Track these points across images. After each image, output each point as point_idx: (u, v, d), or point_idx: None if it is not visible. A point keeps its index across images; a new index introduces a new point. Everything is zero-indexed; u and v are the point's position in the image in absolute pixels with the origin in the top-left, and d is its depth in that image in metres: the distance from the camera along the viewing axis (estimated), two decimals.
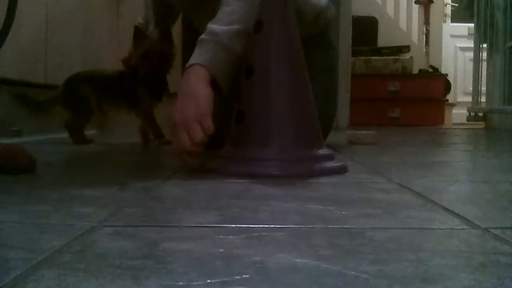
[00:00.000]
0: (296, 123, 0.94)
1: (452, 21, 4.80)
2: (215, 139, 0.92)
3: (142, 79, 1.59)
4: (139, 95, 1.60)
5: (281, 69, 0.94)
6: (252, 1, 1.00)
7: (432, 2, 4.55)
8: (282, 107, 0.94)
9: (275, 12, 0.96)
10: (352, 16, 3.20)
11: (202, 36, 1.01)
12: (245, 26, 1.00)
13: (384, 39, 4.27)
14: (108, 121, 1.76)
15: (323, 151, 0.97)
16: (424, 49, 4.52)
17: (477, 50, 3.56)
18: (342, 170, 0.95)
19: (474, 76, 3.59)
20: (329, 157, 0.97)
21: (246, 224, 0.53)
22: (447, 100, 4.23)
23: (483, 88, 3.56)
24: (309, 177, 0.87)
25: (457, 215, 0.58)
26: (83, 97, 1.62)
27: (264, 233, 0.48)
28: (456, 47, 4.87)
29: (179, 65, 1.99)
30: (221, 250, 0.43)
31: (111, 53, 2.34)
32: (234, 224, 0.52)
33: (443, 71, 4.35)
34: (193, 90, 0.95)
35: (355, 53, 3.62)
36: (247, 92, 0.96)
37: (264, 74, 0.95)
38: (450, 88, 4.36)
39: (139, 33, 1.56)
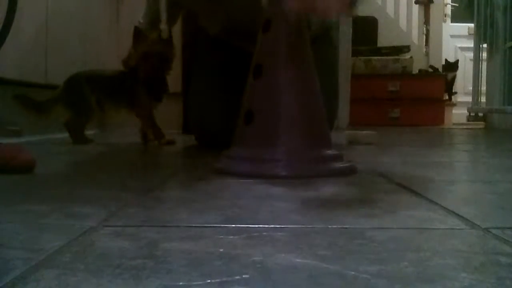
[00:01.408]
0: (305, 123, 0.93)
1: (452, 21, 4.80)
2: (222, 139, 0.91)
3: (142, 80, 1.59)
4: (139, 96, 1.61)
5: (289, 69, 0.93)
6: None
7: (432, 2, 4.55)
8: (291, 107, 0.92)
9: (283, 12, 0.95)
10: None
11: None
12: None
13: (384, 39, 4.26)
14: (108, 121, 1.76)
15: (331, 152, 0.95)
16: (424, 49, 4.51)
17: (477, 50, 3.56)
18: (351, 171, 0.93)
19: (474, 76, 3.59)
20: (338, 158, 0.95)
21: (246, 224, 0.52)
22: (447, 100, 4.23)
23: (483, 88, 3.56)
24: (318, 178, 0.86)
25: (457, 215, 0.58)
26: (84, 97, 1.62)
27: (264, 233, 0.48)
28: (456, 47, 4.86)
29: (179, 65, 1.98)
30: (221, 250, 0.42)
31: (111, 53, 2.34)
32: (234, 224, 0.52)
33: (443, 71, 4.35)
34: None
35: (355, 53, 3.60)
36: (256, 92, 0.95)
37: (272, 74, 0.94)
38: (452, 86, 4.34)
39: (139, 34, 1.56)
